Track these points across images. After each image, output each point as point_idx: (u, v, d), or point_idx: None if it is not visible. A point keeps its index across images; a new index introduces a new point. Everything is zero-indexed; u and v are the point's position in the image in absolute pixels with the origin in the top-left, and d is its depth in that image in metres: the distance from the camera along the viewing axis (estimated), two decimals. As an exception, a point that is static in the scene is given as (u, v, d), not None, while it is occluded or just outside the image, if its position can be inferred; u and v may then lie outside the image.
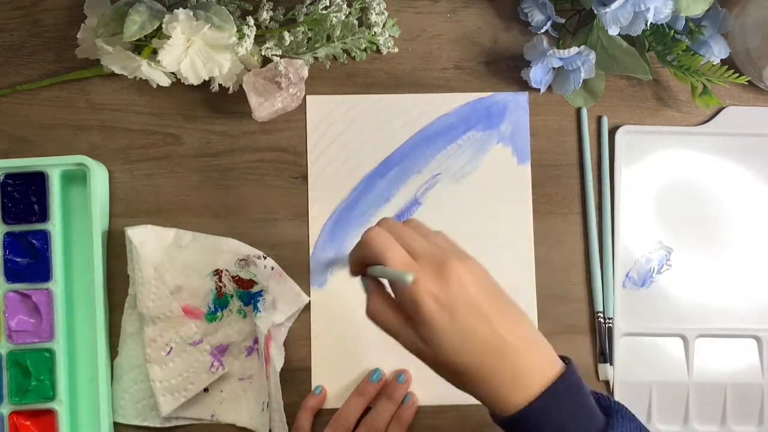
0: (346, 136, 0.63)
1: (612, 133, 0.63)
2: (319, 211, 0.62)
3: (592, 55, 0.59)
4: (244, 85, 0.60)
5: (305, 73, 0.60)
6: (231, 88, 0.61)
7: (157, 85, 0.59)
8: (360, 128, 0.63)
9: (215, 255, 0.61)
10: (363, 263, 0.46)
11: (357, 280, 0.48)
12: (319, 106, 0.63)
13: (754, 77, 0.62)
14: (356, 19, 0.61)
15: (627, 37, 0.59)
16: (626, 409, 0.46)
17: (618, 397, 0.61)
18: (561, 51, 0.58)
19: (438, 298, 0.42)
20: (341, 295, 0.62)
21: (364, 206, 0.63)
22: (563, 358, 0.45)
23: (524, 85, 0.63)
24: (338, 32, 0.62)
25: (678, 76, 0.60)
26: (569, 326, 0.62)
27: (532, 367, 0.43)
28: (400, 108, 0.63)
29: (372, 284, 0.46)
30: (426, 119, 0.63)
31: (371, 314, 0.45)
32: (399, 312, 0.44)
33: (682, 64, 0.59)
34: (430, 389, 0.61)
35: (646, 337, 0.62)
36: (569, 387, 0.43)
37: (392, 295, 0.45)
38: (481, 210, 0.63)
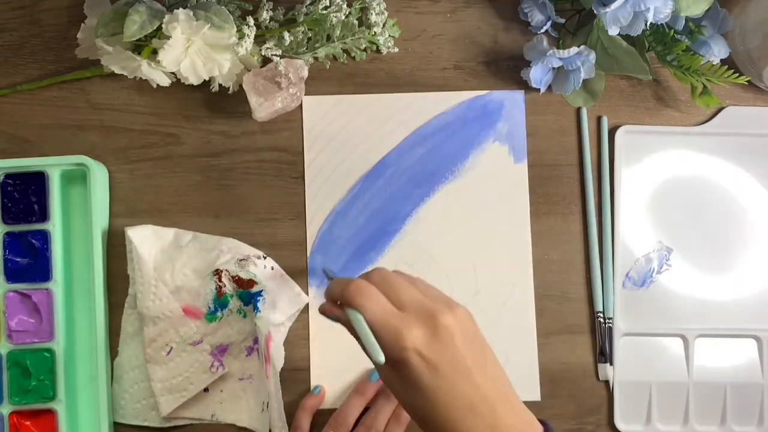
0: (343, 136, 0.63)
1: (612, 133, 0.63)
2: (317, 211, 0.62)
3: (592, 55, 0.59)
4: (244, 85, 0.60)
5: (305, 73, 0.61)
6: (231, 88, 0.61)
7: (157, 85, 0.59)
8: (356, 128, 0.63)
9: (215, 255, 0.61)
10: (339, 304, 0.45)
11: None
12: (315, 107, 0.63)
13: (754, 77, 0.62)
14: (356, 19, 0.61)
15: (627, 37, 0.59)
16: None
17: (618, 397, 0.61)
18: (561, 51, 0.58)
19: (423, 353, 0.41)
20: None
21: (362, 205, 0.63)
22: (541, 421, 0.44)
23: (524, 85, 0.63)
24: (338, 32, 0.62)
25: (678, 76, 0.60)
26: (569, 326, 0.62)
27: (511, 426, 0.42)
28: (395, 107, 0.63)
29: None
30: (422, 118, 0.63)
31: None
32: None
33: (682, 64, 0.59)
34: (429, 389, 0.61)
35: (646, 337, 0.62)
36: None
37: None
38: (478, 208, 0.62)
